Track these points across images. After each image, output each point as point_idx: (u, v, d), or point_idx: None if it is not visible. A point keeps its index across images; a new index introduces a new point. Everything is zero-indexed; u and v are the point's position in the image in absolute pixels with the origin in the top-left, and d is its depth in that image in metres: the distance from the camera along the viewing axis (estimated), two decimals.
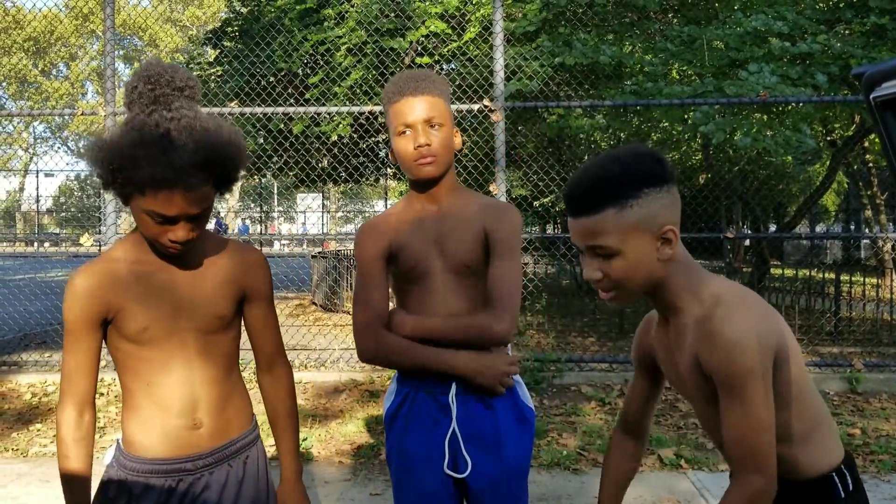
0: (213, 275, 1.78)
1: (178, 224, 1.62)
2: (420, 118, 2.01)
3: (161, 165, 1.54)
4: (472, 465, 2.04)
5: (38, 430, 5.18)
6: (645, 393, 1.85)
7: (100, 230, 6.79)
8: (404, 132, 2.02)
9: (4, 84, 37.65)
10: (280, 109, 7.18)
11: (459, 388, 2.05)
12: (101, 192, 6.83)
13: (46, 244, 32.66)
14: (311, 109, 7.41)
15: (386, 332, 2.03)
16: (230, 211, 31.70)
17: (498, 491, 2.06)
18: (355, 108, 7.19)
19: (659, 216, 1.49)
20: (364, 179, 13.66)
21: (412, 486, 2.10)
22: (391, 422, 2.16)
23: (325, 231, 26.12)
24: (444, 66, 9.30)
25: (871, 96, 1.62)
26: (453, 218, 2.08)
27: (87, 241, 7.11)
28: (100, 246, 6.95)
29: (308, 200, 27.05)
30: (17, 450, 4.81)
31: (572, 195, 1.52)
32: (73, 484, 1.74)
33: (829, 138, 11.63)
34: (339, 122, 8.42)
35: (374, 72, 8.33)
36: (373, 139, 10.66)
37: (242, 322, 1.90)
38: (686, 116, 7.48)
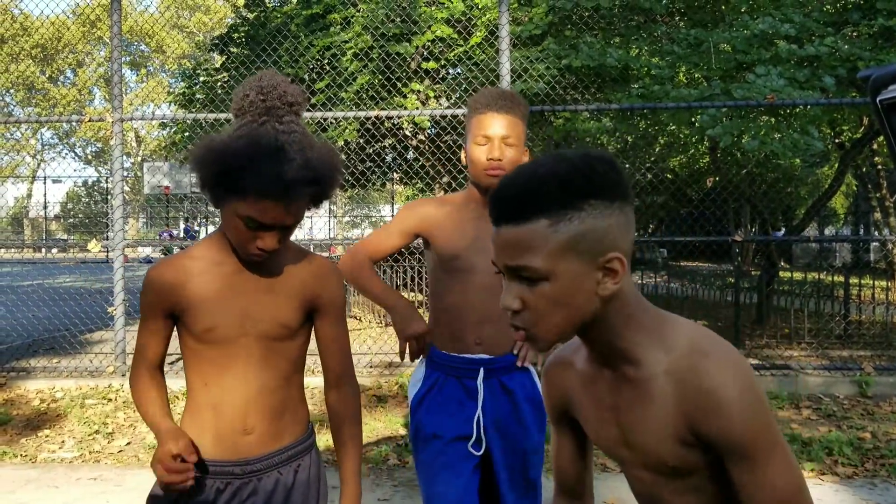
0: (283, 282, 1.78)
1: (270, 233, 1.66)
2: (499, 134, 2.25)
3: (272, 176, 1.58)
4: (495, 445, 2.28)
5: (47, 436, 5.19)
6: (577, 451, 1.50)
7: (107, 236, 6.81)
8: (483, 144, 2.25)
9: (12, 91, 37.88)
10: None
11: (486, 373, 2.29)
12: (109, 198, 6.83)
13: (54, 250, 32.80)
14: (318, 115, 7.42)
15: (363, 260, 2.35)
16: None
17: (515, 469, 2.30)
18: (361, 113, 7.19)
19: (604, 239, 1.18)
20: (371, 184, 13.67)
21: (438, 461, 2.29)
22: (419, 405, 2.36)
23: (331, 236, 26.15)
24: (451, 71, 9.30)
25: (877, 99, 1.61)
26: None
27: (94, 246, 7.14)
28: (107, 251, 6.96)
29: None
30: (26, 456, 4.82)
31: (499, 197, 1.20)
32: (153, 408, 1.78)
33: (837, 141, 11.59)
34: (346, 128, 8.43)
35: (380, 76, 8.34)
36: (379, 144, 10.67)
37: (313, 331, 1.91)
38: (693, 119, 7.46)
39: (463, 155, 2.37)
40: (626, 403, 1.28)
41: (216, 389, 1.74)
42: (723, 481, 1.26)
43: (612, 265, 1.18)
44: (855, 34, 7.22)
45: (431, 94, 9.00)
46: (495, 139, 2.24)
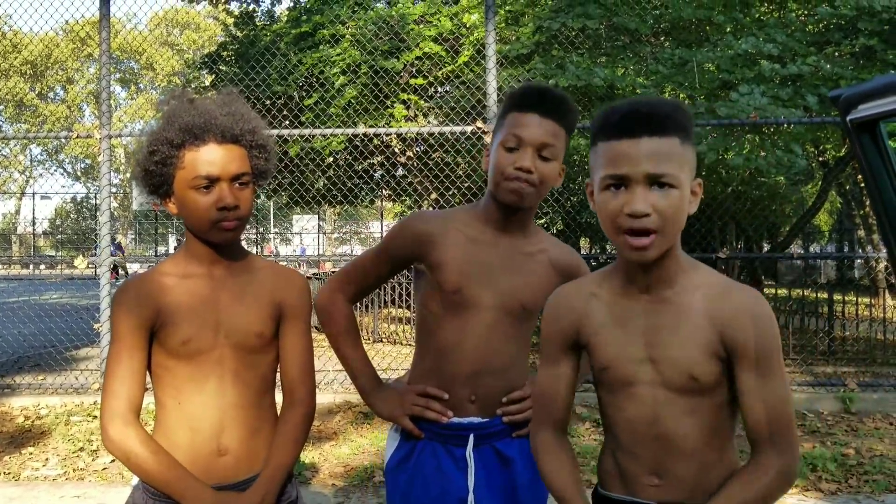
0: (254, 292, 1.76)
1: (223, 187, 1.65)
2: (536, 140, 1.76)
3: (193, 115, 1.65)
4: None
5: (31, 454, 5.16)
6: (573, 383, 1.61)
7: (94, 252, 6.79)
8: (513, 147, 1.77)
9: (1, 107, 37.77)
10: (275, 132, 7.22)
11: (477, 440, 1.87)
12: (97, 214, 6.83)
13: (42, 266, 32.64)
14: (307, 132, 7.44)
15: (342, 307, 1.98)
16: None
17: None
18: (349, 130, 7.23)
19: (696, 166, 1.45)
20: (359, 201, 13.71)
21: None
22: (394, 475, 1.94)
23: (321, 252, 26.12)
24: (438, 89, 9.36)
25: (847, 118, 1.65)
26: (521, 254, 1.89)
27: (81, 262, 7.12)
28: (95, 268, 6.95)
29: (303, 222, 27.11)
30: (9, 473, 4.78)
31: (642, 112, 1.38)
32: (184, 471, 1.64)
33: (820, 159, 11.70)
34: (331, 140, 8.46)
35: (367, 93, 8.38)
36: (367, 161, 10.70)
37: None
38: None
39: (484, 159, 1.87)
40: (662, 322, 1.46)
41: (191, 406, 1.68)
42: (720, 406, 1.46)
43: (696, 189, 1.44)
44: (837, 53, 7.32)
45: (421, 105, 9.04)
46: (530, 146, 1.75)
